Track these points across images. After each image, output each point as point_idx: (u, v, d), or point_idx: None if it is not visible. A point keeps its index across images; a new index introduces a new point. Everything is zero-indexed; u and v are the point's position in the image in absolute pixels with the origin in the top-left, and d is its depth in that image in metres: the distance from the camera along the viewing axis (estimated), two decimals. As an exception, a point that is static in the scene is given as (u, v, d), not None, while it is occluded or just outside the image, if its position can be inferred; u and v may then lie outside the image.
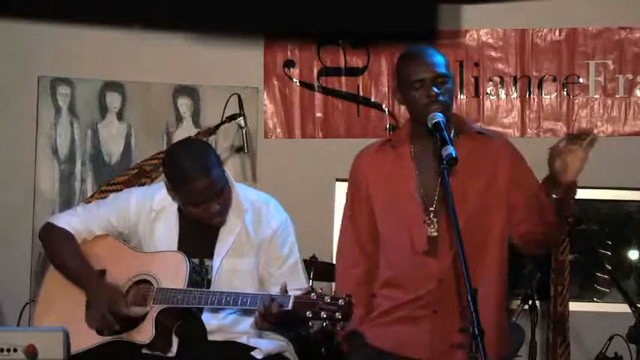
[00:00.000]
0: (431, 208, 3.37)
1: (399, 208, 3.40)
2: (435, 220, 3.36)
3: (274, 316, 3.37)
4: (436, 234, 3.35)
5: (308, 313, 3.23)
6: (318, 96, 5.29)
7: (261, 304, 3.39)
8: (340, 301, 3.21)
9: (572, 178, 3.15)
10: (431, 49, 3.44)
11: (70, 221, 3.78)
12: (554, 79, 5.17)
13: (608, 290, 5.15)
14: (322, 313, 3.20)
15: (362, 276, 3.47)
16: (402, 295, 3.37)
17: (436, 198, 3.37)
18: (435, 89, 3.32)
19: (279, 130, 5.27)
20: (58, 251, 3.75)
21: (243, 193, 3.75)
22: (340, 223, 3.62)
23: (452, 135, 3.33)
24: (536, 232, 3.32)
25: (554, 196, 3.20)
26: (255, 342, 3.60)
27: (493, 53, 5.21)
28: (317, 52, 5.29)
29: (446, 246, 3.33)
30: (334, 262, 3.67)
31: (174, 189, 3.64)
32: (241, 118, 4.75)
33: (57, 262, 3.76)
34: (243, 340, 3.59)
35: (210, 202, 3.58)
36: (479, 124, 5.13)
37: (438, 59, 3.38)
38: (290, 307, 3.31)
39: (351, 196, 3.54)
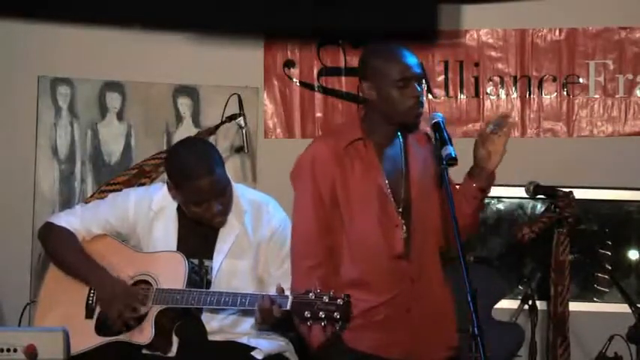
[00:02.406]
0: (399, 209, 3.37)
1: (374, 210, 3.35)
2: (403, 221, 3.37)
3: (274, 317, 3.37)
4: (406, 235, 3.36)
5: (306, 313, 3.22)
6: (318, 96, 5.28)
7: (261, 304, 3.39)
8: (339, 300, 3.20)
9: (494, 166, 3.30)
10: (405, 48, 3.43)
11: (69, 220, 3.79)
12: (554, 79, 5.16)
13: (608, 290, 5.14)
14: (320, 313, 3.19)
15: (324, 277, 3.35)
16: (374, 297, 3.34)
17: (402, 198, 3.38)
18: (419, 89, 3.34)
19: (279, 130, 5.26)
20: (60, 248, 3.75)
21: (243, 194, 3.76)
22: (294, 214, 3.47)
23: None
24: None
25: (474, 185, 3.33)
26: (256, 342, 3.60)
27: (493, 53, 5.20)
28: (317, 52, 5.28)
29: (416, 247, 3.35)
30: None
31: (176, 187, 3.63)
32: (241, 118, 4.75)
33: (59, 259, 3.75)
34: (243, 340, 3.60)
35: (212, 201, 3.58)
36: (479, 124, 5.13)
37: (416, 59, 3.39)
38: (288, 307, 3.31)
39: (312, 190, 3.38)
